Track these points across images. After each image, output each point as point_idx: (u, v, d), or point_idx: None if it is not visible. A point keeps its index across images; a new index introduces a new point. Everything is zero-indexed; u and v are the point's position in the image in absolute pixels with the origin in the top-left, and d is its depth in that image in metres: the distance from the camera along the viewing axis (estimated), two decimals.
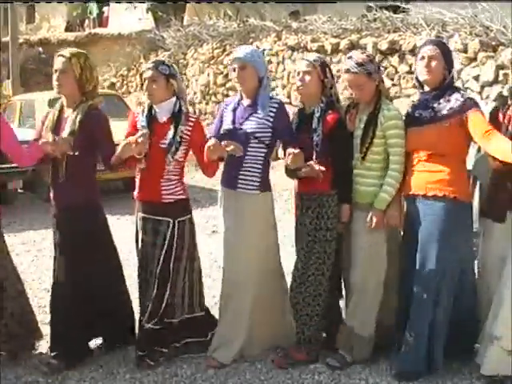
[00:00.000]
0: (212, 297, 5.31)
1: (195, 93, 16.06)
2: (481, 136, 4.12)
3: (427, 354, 4.32)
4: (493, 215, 4.30)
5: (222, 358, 4.57)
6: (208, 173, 4.59)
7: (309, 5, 17.20)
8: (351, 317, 4.52)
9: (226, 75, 15.26)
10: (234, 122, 4.53)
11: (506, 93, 8.42)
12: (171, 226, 4.45)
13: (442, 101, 4.29)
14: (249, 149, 4.45)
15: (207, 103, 15.59)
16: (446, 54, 4.36)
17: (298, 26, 14.35)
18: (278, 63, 13.90)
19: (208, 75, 15.69)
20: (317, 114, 4.45)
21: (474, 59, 10.01)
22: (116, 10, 24.77)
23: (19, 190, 9.81)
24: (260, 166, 4.50)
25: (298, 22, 14.67)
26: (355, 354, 4.51)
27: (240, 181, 4.51)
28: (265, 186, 4.54)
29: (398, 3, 12.80)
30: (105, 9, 26.31)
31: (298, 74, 4.55)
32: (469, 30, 10.52)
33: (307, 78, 4.49)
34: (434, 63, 4.29)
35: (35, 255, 7.44)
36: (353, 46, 12.04)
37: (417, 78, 4.46)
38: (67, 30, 26.79)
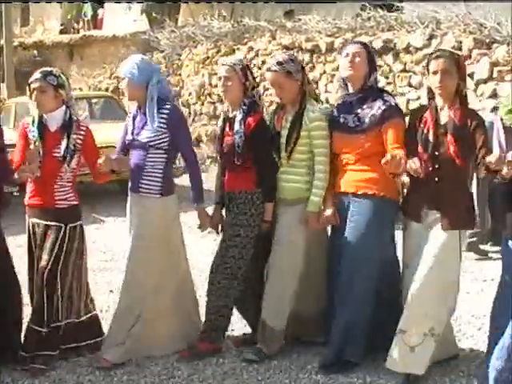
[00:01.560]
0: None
1: (190, 93, 16.05)
2: (389, 150, 4.23)
3: (351, 345, 4.45)
4: (410, 214, 4.40)
5: (113, 358, 4.58)
6: (98, 179, 4.80)
7: (303, 4, 17.19)
8: (265, 309, 4.63)
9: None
10: (132, 133, 4.66)
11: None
12: (62, 231, 4.51)
13: (365, 106, 4.42)
14: (148, 156, 4.59)
15: (202, 104, 15.59)
16: (370, 55, 4.49)
17: (293, 25, 14.36)
18: None
19: (203, 76, 15.68)
20: (239, 117, 4.60)
21: (469, 57, 10.02)
22: (110, 11, 24.74)
23: (15, 194, 9.80)
24: (161, 171, 4.60)
25: (292, 22, 14.67)
26: (269, 346, 4.63)
27: (142, 185, 4.60)
28: (167, 190, 4.62)
29: (392, 2, 12.80)
30: (99, 11, 26.28)
31: (220, 79, 4.69)
32: (463, 28, 10.55)
33: (229, 83, 4.62)
34: (357, 59, 4.42)
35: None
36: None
37: (342, 79, 4.57)
38: (62, 32, 26.74)
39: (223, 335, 4.80)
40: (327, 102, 11.36)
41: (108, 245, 7.88)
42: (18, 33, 27.27)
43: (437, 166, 4.21)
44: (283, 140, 4.58)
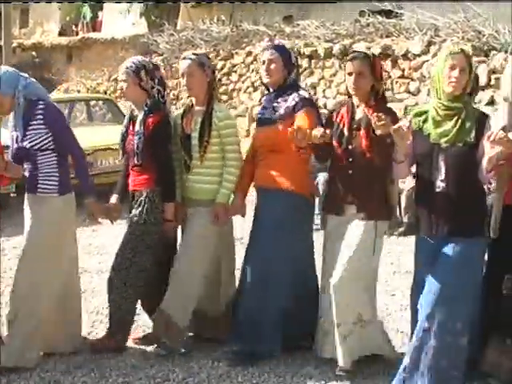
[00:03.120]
0: None
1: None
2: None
3: (265, 339, 4.61)
4: (332, 209, 4.52)
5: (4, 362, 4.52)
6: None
7: (302, 10, 17.20)
8: (169, 304, 4.69)
9: (220, 80, 15.25)
10: (17, 141, 4.60)
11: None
12: None
13: (280, 100, 4.61)
14: (38, 159, 4.57)
15: None
16: (285, 57, 4.64)
17: (292, 30, 14.37)
18: None
19: None
20: (140, 117, 4.69)
21: None
22: (110, 14, 24.75)
23: (12, 194, 9.80)
24: (55, 171, 4.59)
25: (291, 27, 14.68)
26: (172, 341, 4.70)
27: (38, 186, 4.58)
28: (64, 188, 4.61)
29: (391, 8, 12.83)
30: (98, 13, 26.28)
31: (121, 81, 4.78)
32: (461, 35, 10.58)
33: (124, 85, 4.73)
34: (273, 66, 4.61)
35: None
36: (346, 51, 12.07)
37: (261, 81, 4.77)
38: (61, 34, 26.74)
39: (128, 332, 4.86)
40: (325, 107, 11.41)
41: (105, 247, 7.87)
42: (17, 34, 27.27)
43: (350, 160, 4.36)
44: (195, 142, 4.68)
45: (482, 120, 4.08)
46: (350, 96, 4.50)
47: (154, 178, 4.66)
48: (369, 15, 12.88)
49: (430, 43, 10.85)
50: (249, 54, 14.57)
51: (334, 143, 4.40)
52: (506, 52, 9.62)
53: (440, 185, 4.07)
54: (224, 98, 14.94)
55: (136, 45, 19.39)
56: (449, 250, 4.07)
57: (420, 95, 10.53)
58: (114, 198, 4.91)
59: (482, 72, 9.60)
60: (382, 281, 5.58)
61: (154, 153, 4.63)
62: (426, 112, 4.18)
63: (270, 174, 4.59)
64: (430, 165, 4.10)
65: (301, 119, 4.46)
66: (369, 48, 11.46)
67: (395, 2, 12.90)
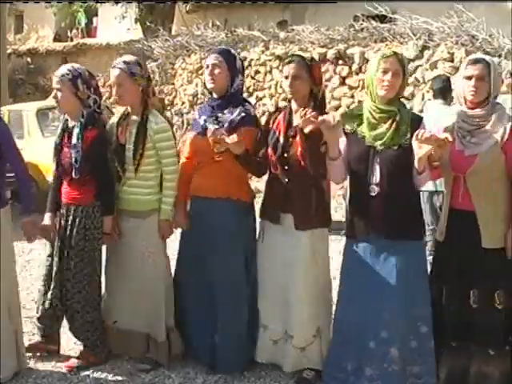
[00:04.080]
0: None
1: (183, 103, 16.07)
2: None
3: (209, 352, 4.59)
4: (267, 216, 4.49)
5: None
6: None
7: (296, 15, 17.23)
8: (146, 324, 4.65)
9: None
10: None
11: None
12: None
13: (226, 112, 4.49)
14: None
15: None
16: (230, 62, 4.54)
17: (286, 35, 14.39)
18: (266, 73, 13.94)
19: (196, 85, 15.70)
20: (76, 130, 4.54)
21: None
22: (104, 20, 24.75)
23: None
24: None
25: (285, 32, 14.71)
26: (159, 357, 4.67)
27: None
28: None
29: (385, 13, 12.86)
30: (93, 19, 26.30)
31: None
32: (455, 40, 10.60)
33: (59, 94, 4.57)
34: (216, 71, 4.49)
35: (23, 265, 7.42)
36: (340, 56, 12.12)
37: (204, 86, 4.66)
38: (55, 40, 26.74)
39: (103, 347, 4.75)
40: None
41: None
42: (12, 40, 27.25)
43: (286, 168, 4.31)
44: (129, 154, 4.55)
45: (416, 123, 4.12)
46: (288, 101, 4.46)
47: (92, 192, 4.54)
48: (363, 20, 12.90)
49: (423, 48, 10.89)
50: (243, 59, 14.58)
51: (269, 150, 4.36)
52: (499, 56, 9.65)
53: (375, 188, 4.09)
54: None
55: (131, 50, 19.40)
56: (390, 255, 4.10)
57: (414, 100, 10.56)
58: (47, 218, 4.70)
59: None
60: None
61: (92, 167, 4.50)
62: (360, 115, 4.20)
63: (209, 183, 4.48)
64: (365, 168, 4.11)
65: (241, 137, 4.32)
66: (363, 53, 11.54)
67: (390, 1, 12.92)
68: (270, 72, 13.72)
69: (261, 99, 13.91)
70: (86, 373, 4.60)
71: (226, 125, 4.41)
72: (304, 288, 4.34)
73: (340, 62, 12.16)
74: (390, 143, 4.06)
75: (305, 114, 3.94)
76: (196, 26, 17.57)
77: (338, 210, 7.34)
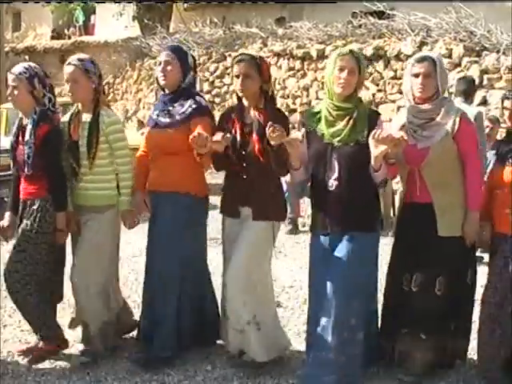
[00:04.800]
0: None
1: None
2: None
3: (159, 343, 4.61)
4: (226, 211, 4.59)
5: None
6: None
7: (294, 11, 17.23)
8: (82, 312, 4.68)
9: (213, 82, 15.27)
10: None
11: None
12: None
13: (176, 105, 4.56)
14: None
15: None
16: (182, 59, 4.59)
17: (284, 32, 14.41)
18: None
19: None
20: (29, 126, 4.56)
21: (459, 64, 10.08)
22: (102, 18, 24.74)
23: (6, 199, 9.77)
24: None
25: (283, 29, 14.71)
26: (95, 346, 4.69)
27: None
28: None
29: (383, 9, 12.85)
30: (91, 17, 26.27)
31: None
32: (453, 36, 10.60)
33: (15, 92, 4.60)
34: (169, 67, 4.55)
35: None
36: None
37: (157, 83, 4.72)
38: (53, 38, 26.73)
39: (58, 332, 4.78)
40: None
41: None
42: (10, 38, 27.24)
43: (244, 165, 4.39)
44: (83, 149, 4.56)
45: (373, 119, 4.20)
46: (239, 99, 4.51)
47: (45, 187, 4.53)
48: (361, 16, 12.91)
49: (422, 44, 10.89)
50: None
51: (228, 149, 4.39)
52: (497, 52, 9.65)
53: (333, 183, 4.17)
54: (217, 100, 14.97)
55: (129, 48, 19.40)
56: (342, 247, 4.18)
57: None
58: (6, 217, 4.74)
59: (473, 72, 9.64)
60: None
61: (44, 163, 4.49)
62: (319, 112, 4.28)
63: (164, 178, 4.54)
64: (324, 164, 4.19)
65: (198, 127, 4.39)
66: (361, 49, 11.52)
67: (388, 1, 12.92)
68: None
69: None
70: (86, 370, 4.60)
71: (177, 117, 4.51)
72: (243, 272, 4.40)
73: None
74: (347, 140, 4.15)
75: (272, 130, 3.98)
76: (194, 24, 17.59)
77: None
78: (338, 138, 4.16)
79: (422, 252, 4.27)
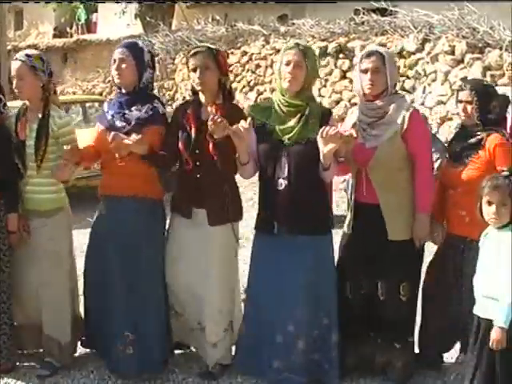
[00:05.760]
0: None
1: (184, 98, 16.05)
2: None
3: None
4: (179, 211, 4.41)
5: None
6: None
7: (297, 9, 17.21)
8: (46, 324, 4.51)
9: None
10: None
11: None
12: None
13: (133, 108, 4.34)
14: None
15: None
16: (137, 57, 4.37)
17: (286, 29, 14.39)
18: (267, 67, 13.93)
19: None
20: None
21: (462, 61, 10.06)
22: (104, 16, 24.73)
23: None
24: None
25: (286, 26, 14.70)
26: (60, 359, 4.55)
27: None
28: None
29: (386, 6, 12.84)
30: (93, 15, 26.28)
31: None
32: (456, 32, 10.58)
33: None
34: (123, 65, 4.32)
35: None
36: (341, 49, 12.10)
37: (113, 81, 4.52)
38: (55, 36, 26.72)
39: (11, 353, 4.55)
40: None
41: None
42: (12, 36, 27.23)
43: (198, 164, 4.24)
44: (30, 150, 4.36)
45: (325, 117, 4.12)
46: (195, 94, 4.38)
47: None
48: (363, 13, 12.89)
49: (424, 41, 10.88)
50: (244, 53, 14.58)
51: (181, 146, 4.27)
52: (500, 49, 9.64)
53: (282, 183, 4.07)
54: None
55: None
56: (295, 249, 4.10)
57: (415, 93, 10.55)
58: None
59: (476, 69, 9.63)
60: None
61: None
62: (270, 108, 4.18)
63: (116, 181, 4.36)
64: (273, 162, 4.09)
65: (150, 136, 4.27)
66: (364, 46, 11.51)
67: (390, 0, 12.92)
68: (271, 66, 13.70)
69: (261, 93, 13.90)
70: (90, 369, 4.59)
71: (132, 122, 4.30)
72: (217, 283, 4.32)
73: (341, 55, 12.16)
74: (297, 138, 4.05)
75: (214, 122, 3.90)
76: (196, 21, 17.58)
77: (340, 204, 7.30)
78: (289, 136, 4.06)
79: (380, 257, 4.15)
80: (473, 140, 4.09)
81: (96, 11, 25.83)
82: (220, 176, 4.24)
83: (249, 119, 4.11)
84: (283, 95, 4.10)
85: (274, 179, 4.08)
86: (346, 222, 4.31)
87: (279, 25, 15.19)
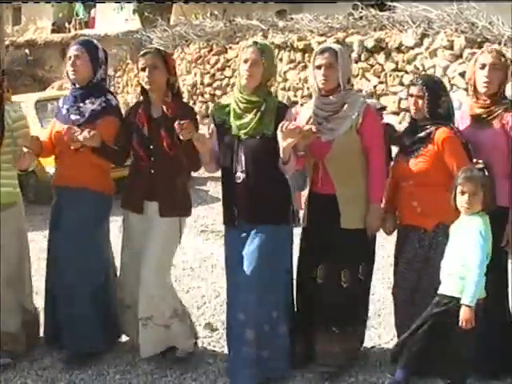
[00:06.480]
0: (201, 296, 5.30)
1: (182, 93, 16.02)
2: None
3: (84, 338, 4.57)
4: (131, 206, 4.52)
5: None
6: None
7: (295, 4, 17.19)
8: None
9: (213, 75, 15.24)
10: None
11: None
12: None
13: (87, 102, 4.51)
14: None
15: (194, 103, 15.58)
16: (91, 54, 4.54)
17: (285, 24, 14.36)
18: None
19: (195, 75, 15.68)
20: None
21: (460, 56, 10.06)
22: (102, 11, 24.72)
23: None
24: None
25: (284, 21, 14.67)
26: (13, 348, 4.62)
27: None
28: None
29: (384, 1, 12.82)
30: (92, 10, 26.26)
31: None
32: (454, 27, 10.57)
33: None
34: (78, 62, 4.49)
35: None
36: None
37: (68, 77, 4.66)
38: (54, 31, 26.70)
39: None
40: None
41: None
42: (10, 32, 27.22)
43: (152, 159, 4.38)
44: None
45: (282, 112, 4.20)
46: (145, 93, 4.48)
47: None
48: (362, 8, 12.86)
49: (423, 36, 10.86)
50: (242, 48, 14.55)
51: (135, 144, 4.41)
52: (499, 44, 9.62)
53: (240, 176, 4.19)
54: (218, 93, 14.95)
55: (129, 41, 19.37)
56: (252, 241, 4.19)
57: None
58: None
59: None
60: (379, 274, 5.57)
61: None
62: (229, 105, 4.30)
63: (69, 173, 4.51)
64: (232, 157, 4.21)
65: (105, 127, 4.43)
66: (362, 41, 11.50)
67: None
68: None
69: None
70: (88, 364, 4.59)
71: (86, 115, 4.46)
72: (156, 270, 4.39)
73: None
74: (253, 132, 4.16)
75: (180, 127, 4.01)
76: (194, 16, 17.55)
77: None
78: (245, 131, 4.17)
79: (327, 244, 4.28)
80: (422, 134, 4.21)
81: (94, 6, 25.81)
82: (173, 171, 4.38)
83: (211, 126, 4.31)
84: (241, 92, 4.21)
85: (233, 173, 4.21)
86: (302, 215, 4.47)
87: (277, 20, 15.16)
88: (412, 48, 10.87)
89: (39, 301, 4.91)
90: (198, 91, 15.59)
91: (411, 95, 4.28)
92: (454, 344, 3.90)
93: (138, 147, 4.40)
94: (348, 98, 4.26)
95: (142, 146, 4.39)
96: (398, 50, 11.07)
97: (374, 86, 11.30)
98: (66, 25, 26.26)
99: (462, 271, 3.78)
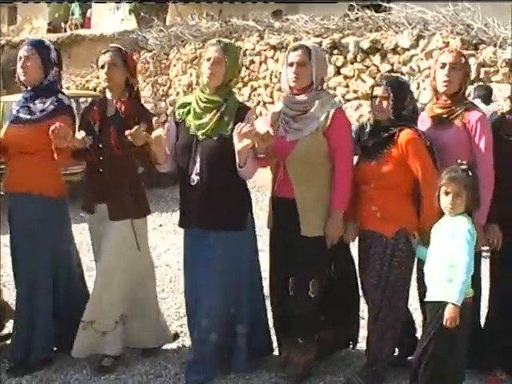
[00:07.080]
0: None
1: (178, 93, 16.03)
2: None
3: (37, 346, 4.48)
4: (85, 207, 4.51)
5: None
6: None
7: (291, 4, 17.19)
8: None
9: None
10: None
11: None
12: None
13: (37, 102, 4.42)
14: None
15: None
16: (43, 55, 4.44)
17: (281, 25, 14.36)
18: (261, 63, 13.90)
19: (191, 75, 15.66)
20: None
21: None
22: (99, 11, 24.67)
23: (1, 193, 9.75)
24: None
25: (280, 22, 14.67)
26: None
27: None
28: None
29: (380, 2, 12.83)
30: (88, 10, 26.21)
31: None
32: (450, 29, 10.59)
33: None
34: (28, 63, 4.40)
35: None
36: (335, 46, 12.08)
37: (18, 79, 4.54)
38: (49, 31, 26.64)
39: None
40: None
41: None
42: (6, 31, 27.15)
43: (101, 158, 4.34)
44: None
45: (242, 113, 4.16)
46: (103, 91, 4.48)
47: None
48: (358, 9, 12.88)
49: (419, 37, 10.88)
50: (238, 49, 14.54)
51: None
52: (494, 45, 9.65)
53: (195, 178, 4.16)
54: None
55: (125, 41, 19.33)
56: (210, 242, 4.16)
57: None
58: None
59: (471, 66, 9.62)
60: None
61: None
62: (190, 103, 4.26)
63: (18, 178, 4.40)
64: (188, 157, 4.17)
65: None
66: (358, 42, 11.51)
67: None
68: (265, 62, 13.69)
69: (255, 89, 13.88)
70: (83, 364, 4.57)
71: (37, 114, 4.39)
72: (105, 273, 4.39)
73: (335, 51, 12.14)
74: (211, 133, 4.13)
75: (131, 135, 3.98)
76: (190, 17, 17.54)
77: None
78: (203, 131, 4.13)
79: (294, 253, 4.18)
80: (385, 135, 4.09)
81: (90, 6, 25.76)
82: (121, 171, 4.33)
83: (167, 124, 4.29)
84: (203, 92, 4.19)
85: (188, 174, 4.17)
86: (267, 218, 4.37)
87: (273, 20, 15.16)
88: (408, 49, 10.89)
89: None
90: (193, 91, 15.57)
91: (375, 96, 4.13)
92: (446, 345, 3.77)
93: (89, 145, 4.34)
94: (319, 98, 4.14)
95: (92, 144, 4.33)
96: (394, 51, 11.09)
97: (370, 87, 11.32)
98: (62, 25, 26.19)
99: (449, 273, 3.66)
